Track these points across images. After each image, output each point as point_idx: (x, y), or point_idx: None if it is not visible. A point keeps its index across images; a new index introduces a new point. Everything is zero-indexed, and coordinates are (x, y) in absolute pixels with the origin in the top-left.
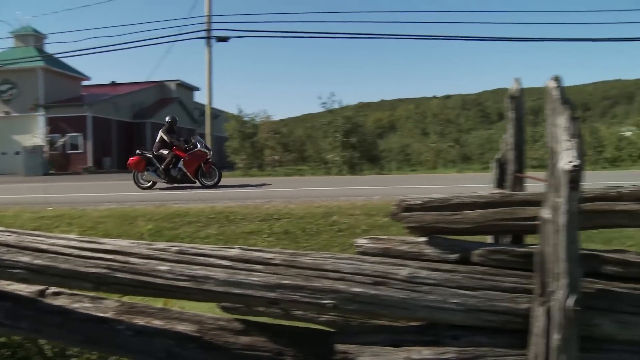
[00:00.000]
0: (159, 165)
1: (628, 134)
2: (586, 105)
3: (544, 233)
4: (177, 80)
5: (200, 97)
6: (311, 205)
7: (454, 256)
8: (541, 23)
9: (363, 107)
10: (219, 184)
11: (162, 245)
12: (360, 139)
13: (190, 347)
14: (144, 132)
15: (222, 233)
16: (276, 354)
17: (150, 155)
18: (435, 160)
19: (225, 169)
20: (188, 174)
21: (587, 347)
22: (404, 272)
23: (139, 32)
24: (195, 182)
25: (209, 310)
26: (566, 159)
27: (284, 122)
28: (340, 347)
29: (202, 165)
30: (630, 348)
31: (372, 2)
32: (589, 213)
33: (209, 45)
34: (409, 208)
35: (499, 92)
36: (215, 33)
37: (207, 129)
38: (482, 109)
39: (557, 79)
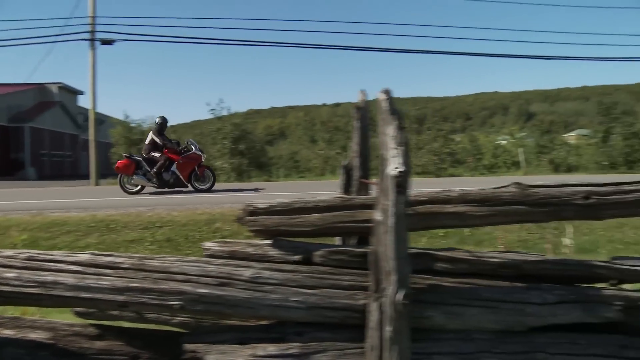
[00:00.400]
0: (148, 169)
1: (503, 142)
2: (467, 115)
3: (377, 234)
4: (60, 83)
5: (84, 102)
6: (194, 213)
7: (297, 257)
8: (423, 36)
9: (253, 114)
10: (212, 189)
11: (10, 252)
12: (249, 145)
13: (43, 354)
14: (22, 137)
15: (102, 242)
16: (132, 357)
17: (140, 158)
18: (323, 167)
19: (111, 176)
20: (181, 177)
21: (420, 337)
22: (247, 273)
23: (13, 30)
24: (187, 186)
25: (71, 318)
26: (393, 166)
27: (173, 128)
28: (188, 346)
29: (196, 168)
30: (459, 336)
31: (261, 9)
32: (421, 215)
33: (92, 47)
34: (254, 212)
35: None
36: (99, 35)
37: (91, 135)
38: (371, 116)
39: (387, 91)
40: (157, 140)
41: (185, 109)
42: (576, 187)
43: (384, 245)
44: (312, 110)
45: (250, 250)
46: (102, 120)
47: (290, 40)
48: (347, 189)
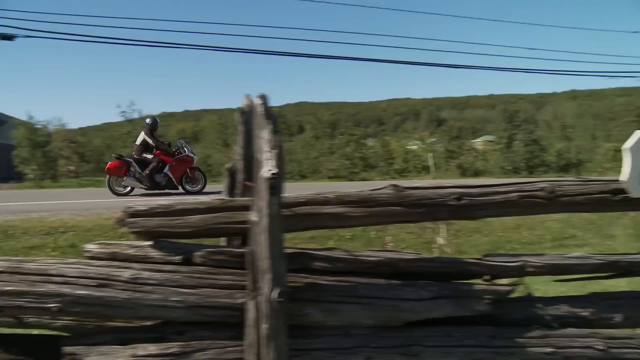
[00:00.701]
0: (139, 170)
1: (414, 147)
2: (380, 120)
3: (253, 234)
4: None
5: None
6: (100, 217)
7: (177, 258)
8: (339, 43)
9: (166, 117)
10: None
11: None
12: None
13: None
14: None
15: None
16: None
17: (131, 160)
18: None
19: (13, 180)
20: (173, 179)
21: (302, 334)
22: (127, 274)
23: None
24: (179, 189)
25: None
26: (266, 168)
27: (83, 130)
28: (68, 349)
29: (188, 170)
30: (338, 332)
31: (172, 11)
32: (299, 216)
33: None
34: (135, 214)
35: (301, 106)
36: None
37: None
38: (284, 121)
39: (262, 96)
40: (150, 141)
41: (96, 110)
42: (449, 189)
43: (260, 245)
44: (226, 114)
45: (131, 251)
46: (3, 121)
47: (201, 43)
48: (231, 191)
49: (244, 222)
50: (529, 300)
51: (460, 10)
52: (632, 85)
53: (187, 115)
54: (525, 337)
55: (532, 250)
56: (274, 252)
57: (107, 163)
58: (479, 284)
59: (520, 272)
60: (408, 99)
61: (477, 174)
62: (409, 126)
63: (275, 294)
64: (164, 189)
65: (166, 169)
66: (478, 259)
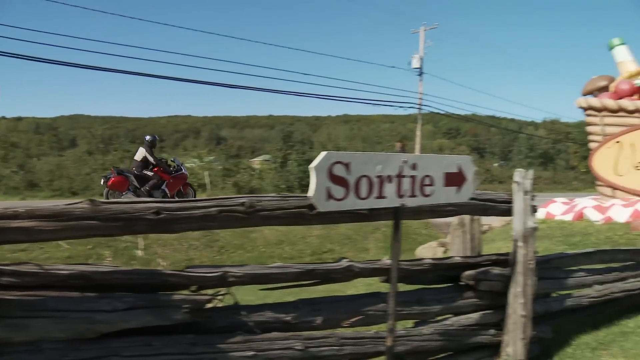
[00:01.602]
0: (137, 186)
1: (192, 165)
2: (160, 136)
3: None
4: None
5: None
6: None
7: None
8: (117, 55)
9: None
10: None
11: None
12: None
13: None
14: None
15: None
16: None
17: (131, 175)
18: None
19: None
20: (169, 195)
21: None
22: None
23: None
24: None
25: None
26: None
27: None
28: None
29: (182, 187)
30: (27, 348)
31: None
32: None
33: None
34: None
35: (76, 118)
36: None
37: None
38: (55, 134)
39: None
40: (151, 159)
41: None
42: (148, 204)
43: None
44: None
45: None
46: None
47: None
48: None
49: None
50: (235, 308)
51: (241, 32)
52: (395, 113)
53: None
54: (227, 343)
55: None
56: None
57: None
58: (178, 294)
59: (222, 282)
60: (189, 116)
61: (252, 191)
62: (189, 144)
63: None
64: None
65: (164, 186)
66: (178, 270)
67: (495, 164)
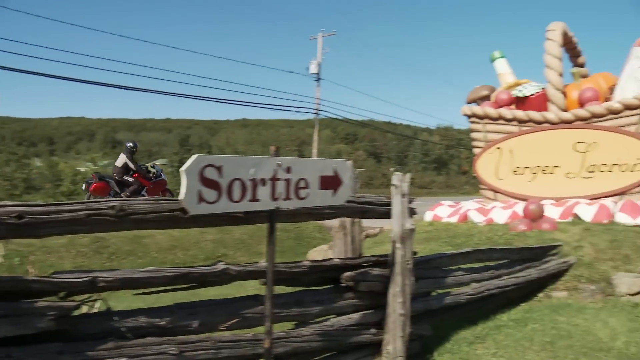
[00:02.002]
0: (118, 191)
1: (84, 169)
2: (51, 139)
3: None
4: None
5: None
6: None
7: None
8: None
9: None
10: None
11: None
12: None
13: None
14: None
15: None
16: None
17: (112, 181)
18: None
19: None
20: None
21: None
22: None
23: None
24: None
25: None
26: None
27: None
28: None
29: (160, 192)
30: None
31: None
32: None
33: None
34: None
35: None
36: None
37: None
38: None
39: None
40: (131, 165)
41: None
42: (9, 208)
43: None
44: None
45: None
46: None
47: None
48: None
49: None
50: (106, 314)
51: (133, 32)
52: (294, 117)
53: None
54: (98, 350)
55: None
56: None
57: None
58: (43, 301)
59: (91, 287)
60: (83, 118)
61: None
62: (83, 147)
63: None
64: None
65: (144, 191)
66: (43, 276)
67: (392, 169)
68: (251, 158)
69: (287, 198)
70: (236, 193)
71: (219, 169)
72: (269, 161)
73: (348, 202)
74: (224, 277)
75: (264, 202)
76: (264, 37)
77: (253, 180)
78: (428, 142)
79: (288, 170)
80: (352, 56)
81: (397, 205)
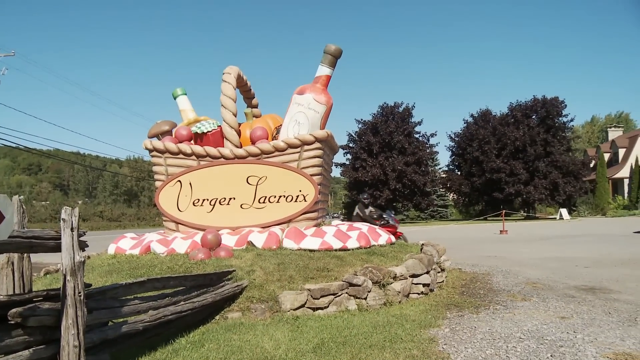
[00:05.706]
0: None
1: None
2: None
3: None
4: None
5: None
6: None
7: None
8: None
9: None
10: None
11: None
12: None
13: None
14: None
15: None
16: None
17: None
18: None
19: None
20: None
21: None
22: None
23: None
24: None
25: None
26: None
27: None
28: None
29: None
30: None
31: None
32: None
33: None
34: None
35: None
36: None
37: None
38: None
39: None
40: (361, 215)
41: None
42: None
43: None
44: None
45: None
46: None
47: None
48: None
49: None
50: None
51: None
52: None
53: None
54: None
55: None
56: None
57: None
58: None
59: None
60: None
61: None
62: None
63: None
64: None
65: None
66: None
67: (80, 202)
68: None
69: None
70: None
71: None
72: None
73: (12, 237)
74: None
75: None
76: None
77: None
78: (118, 174)
79: None
80: (34, 81)
81: (67, 239)
